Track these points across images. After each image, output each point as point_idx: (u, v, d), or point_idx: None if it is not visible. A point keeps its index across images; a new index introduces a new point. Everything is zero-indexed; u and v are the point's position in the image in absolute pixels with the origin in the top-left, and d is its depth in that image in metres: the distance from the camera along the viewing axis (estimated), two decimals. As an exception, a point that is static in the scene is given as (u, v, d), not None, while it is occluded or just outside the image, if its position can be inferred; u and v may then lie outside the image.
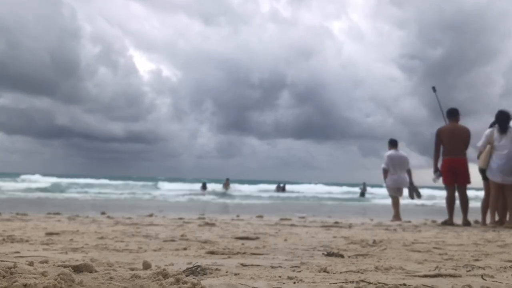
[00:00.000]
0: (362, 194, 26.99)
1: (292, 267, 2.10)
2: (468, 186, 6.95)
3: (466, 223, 6.60)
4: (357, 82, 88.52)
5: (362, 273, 1.92)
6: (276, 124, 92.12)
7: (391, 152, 8.58)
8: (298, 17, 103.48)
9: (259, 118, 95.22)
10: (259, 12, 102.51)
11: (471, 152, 6.95)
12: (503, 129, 6.34)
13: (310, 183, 43.14)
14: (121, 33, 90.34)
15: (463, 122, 7.08)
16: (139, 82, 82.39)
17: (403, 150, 8.78)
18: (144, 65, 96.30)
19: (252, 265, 2.13)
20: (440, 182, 6.95)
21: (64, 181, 31.00)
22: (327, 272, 1.93)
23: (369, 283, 1.63)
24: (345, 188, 35.42)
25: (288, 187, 33.17)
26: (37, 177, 34.73)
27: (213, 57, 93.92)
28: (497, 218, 6.55)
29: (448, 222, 6.61)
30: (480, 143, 6.54)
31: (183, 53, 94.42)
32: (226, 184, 26.97)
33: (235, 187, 29.65)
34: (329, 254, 2.62)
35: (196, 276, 1.73)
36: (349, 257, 2.57)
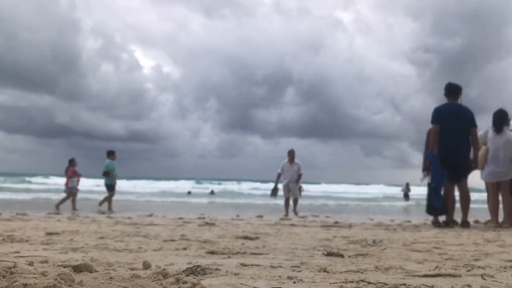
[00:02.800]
0: (406, 195, 24.47)
1: (292, 267, 2.10)
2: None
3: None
4: (365, 78, 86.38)
5: (362, 273, 1.92)
6: (281, 123, 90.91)
7: (285, 161, 10.76)
8: (302, 8, 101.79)
9: (263, 116, 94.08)
10: (262, 3, 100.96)
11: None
12: (498, 129, 6.33)
13: (318, 183, 42.70)
14: (121, 27, 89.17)
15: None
16: (141, 79, 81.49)
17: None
18: (145, 61, 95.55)
19: (252, 265, 2.13)
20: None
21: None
22: (327, 272, 1.93)
23: (369, 282, 1.63)
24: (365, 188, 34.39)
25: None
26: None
27: (216, 52, 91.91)
28: (501, 218, 6.53)
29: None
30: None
31: (185, 48, 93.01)
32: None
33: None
34: (329, 254, 2.62)
35: (196, 276, 1.73)
36: (349, 257, 2.57)
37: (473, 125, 6.33)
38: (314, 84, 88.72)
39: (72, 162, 11.37)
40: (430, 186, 6.30)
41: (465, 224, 6.19)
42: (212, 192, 26.61)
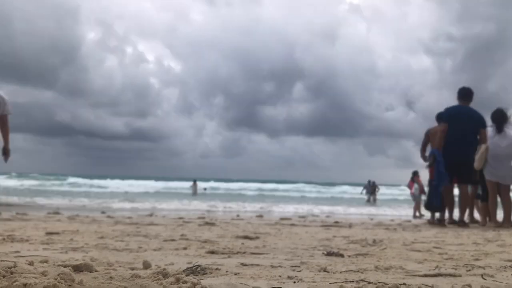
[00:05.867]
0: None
1: (292, 266, 2.10)
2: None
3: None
4: (380, 71, 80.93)
5: (362, 272, 1.92)
6: (288, 120, 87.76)
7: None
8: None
9: (270, 113, 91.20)
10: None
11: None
12: (499, 129, 6.36)
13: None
14: (121, 18, 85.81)
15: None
16: (142, 72, 79.05)
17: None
18: (144, 54, 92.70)
19: (252, 264, 2.13)
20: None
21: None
22: (327, 272, 1.93)
23: (369, 282, 1.63)
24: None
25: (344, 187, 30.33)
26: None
27: (220, 44, 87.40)
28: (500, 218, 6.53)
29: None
30: None
31: (185, 40, 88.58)
32: (194, 187, 24.63)
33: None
34: (329, 254, 2.62)
35: (196, 275, 1.73)
36: (349, 256, 2.57)
37: (483, 126, 6.44)
38: (324, 78, 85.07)
39: (418, 173, 12.11)
40: (431, 183, 6.46)
41: (461, 223, 6.32)
42: (204, 189, 26.03)
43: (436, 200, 6.35)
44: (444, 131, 6.39)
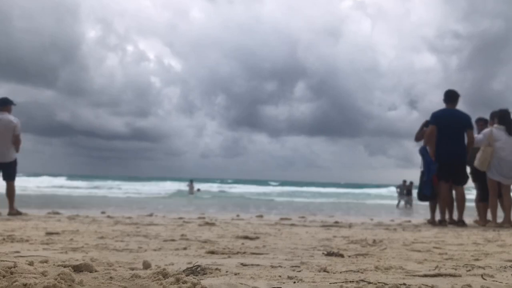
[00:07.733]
0: None
1: (292, 266, 2.10)
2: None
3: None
4: (383, 69, 79.44)
5: (362, 272, 1.92)
6: (290, 120, 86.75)
7: None
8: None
9: (271, 113, 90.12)
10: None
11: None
12: (510, 130, 6.34)
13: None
14: (122, 18, 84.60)
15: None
16: (142, 71, 77.80)
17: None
18: (144, 55, 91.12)
19: (252, 264, 2.13)
20: None
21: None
22: (327, 272, 1.93)
23: (369, 282, 1.63)
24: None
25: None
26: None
27: (220, 43, 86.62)
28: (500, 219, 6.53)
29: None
30: (479, 142, 6.56)
31: (186, 39, 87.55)
32: (190, 186, 24.64)
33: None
34: (329, 254, 2.62)
35: (196, 275, 1.73)
36: (349, 256, 2.57)
37: (470, 127, 6.59)
38: (326, 77, 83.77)
39: None
40: (422, 174, 6.61)
41: (460, 223, 6.39)
42: (198, 190, 26.02)
43: (426, 190, 6.51)
44: (432, 133, 6.52)
